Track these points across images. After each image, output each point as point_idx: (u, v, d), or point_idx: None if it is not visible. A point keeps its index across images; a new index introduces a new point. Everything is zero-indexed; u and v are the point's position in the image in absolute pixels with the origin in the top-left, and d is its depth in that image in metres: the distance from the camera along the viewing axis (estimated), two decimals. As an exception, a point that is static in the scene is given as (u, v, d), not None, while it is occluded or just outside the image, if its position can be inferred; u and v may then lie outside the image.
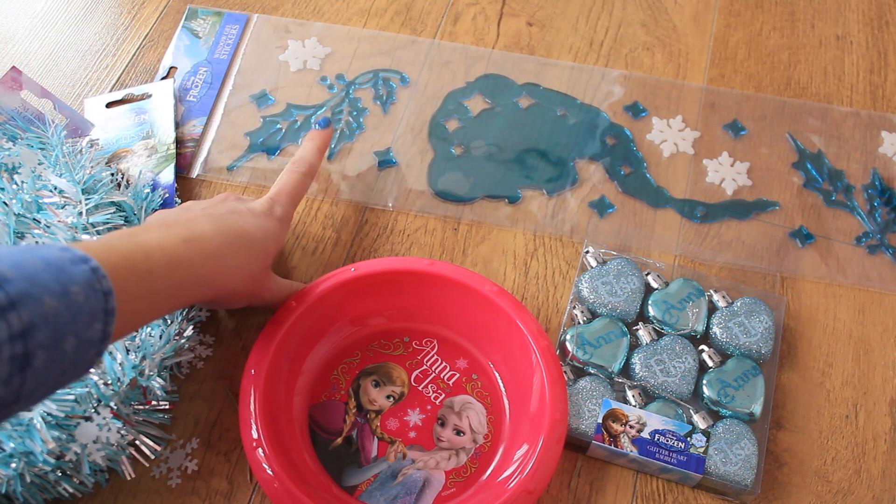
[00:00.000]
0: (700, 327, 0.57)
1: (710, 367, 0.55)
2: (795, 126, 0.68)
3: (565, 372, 0.54)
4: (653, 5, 0.76)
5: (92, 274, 0.37)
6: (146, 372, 0.49)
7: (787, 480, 0.54)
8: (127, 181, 0.60)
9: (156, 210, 0.59)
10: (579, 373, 0.55)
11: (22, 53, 0.71)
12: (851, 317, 0.60)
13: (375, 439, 0.53)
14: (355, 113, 0.68)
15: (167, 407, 0.52)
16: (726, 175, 0.66)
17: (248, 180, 0.64)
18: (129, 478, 0.50)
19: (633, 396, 0.54)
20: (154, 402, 0.51)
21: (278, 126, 0.67)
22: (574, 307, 0.58)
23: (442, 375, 0.55)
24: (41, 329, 0.34)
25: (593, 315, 0.57)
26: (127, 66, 0.70)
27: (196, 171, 0.64)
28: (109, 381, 0.48)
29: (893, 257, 0.62)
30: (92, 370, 0.39)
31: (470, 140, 0.66)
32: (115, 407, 0.48)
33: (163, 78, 0.69)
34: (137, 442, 0.50)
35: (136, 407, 0.50)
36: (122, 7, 0.74)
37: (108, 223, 0.55)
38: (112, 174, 0.59)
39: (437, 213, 0.63)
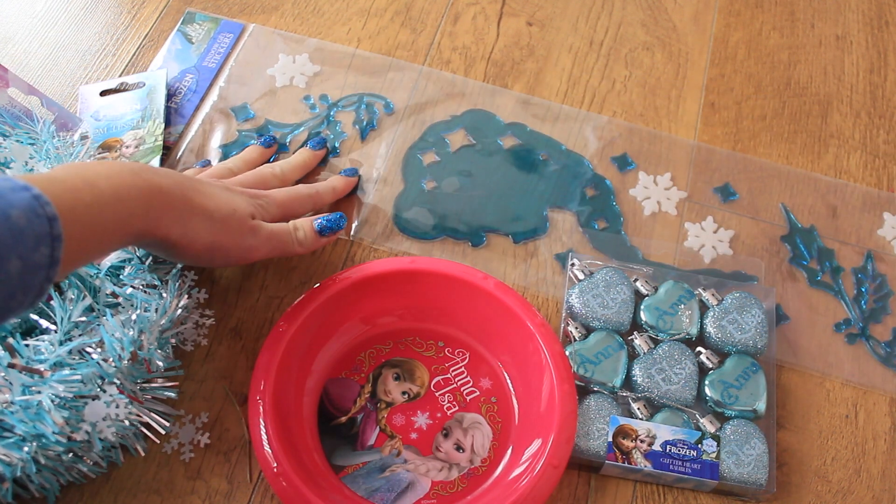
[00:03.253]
0: (694, 330, 0.57)
1: (710, 369, 0.55)
2: (792, 196, 0.65)
3: None
4: (653, 5, 0.76)
5: (34, 200, 0.38)
6: (145, 345, 0.49)
7: (787, 480, 0.54)
8: None
9: None
10: (582, 391, 0.55)
11: (22, 53, 0.71)
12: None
13: (377, 429, 0.54)
14: (332, 136, 0.66)
15: (173, 384, 0.52)
16: (707, 241, 0.62)
17: None
18: (142, 454, 0.50)
19: (639, 409, 0.54)
20: (160, 379, 0.51)
21: (253, 141, 0.65)
22: (567, 324, 0.57)
23: (462, 389, 0.55)
24: None
25: (587, 330, 0.57)
26: (127, 66, 0.70)
27: None
28: (110, 359, 0.48)
29: (872, 350, 0.58)
30: (41, 299, 0.40)
31: (443, 176, 0.64)
32: (120, 383, 0.48)
33: None
34: (147, 419, 0.50)
35: (142, 384, 0.50)
36: (122, 7, 0.74)
37: None
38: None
39: (397, 249, 0.61)
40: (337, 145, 0.66)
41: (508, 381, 0.55)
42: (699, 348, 0.56)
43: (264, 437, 0.49)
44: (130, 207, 0.45)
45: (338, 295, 0.55)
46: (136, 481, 0.52)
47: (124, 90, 0.67)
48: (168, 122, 0.66)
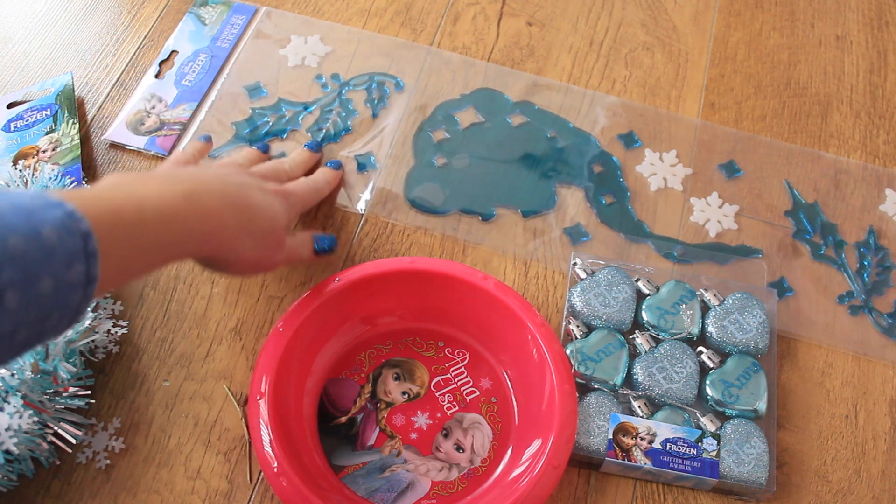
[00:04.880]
0: (696, 329, 0.57)
1: (711, 369, 0.55)
2: (795, 173, 0.66)
3: None
4: (653, 5, 0.76)
5: (67, 217, 0.37)
6: (49, 357, 0.49)
7: (787, 480, 0.54)
8: (34, 176, 0.60)
9: None
10: (583, 389, 0.55)
11: (22, 53, 0.71)
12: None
13: (377, 429, 0.54)
14: (344, 114, 0.67)
15: (86, 392, 0.51)
16: (712, 216, 0.64)
17: None
18: (56, 464, 0.50)
19: (640, 407, 0.54)
20: (71, 389, 0.51)
21: (266, 119, 0.67)
22: (569, 322, 0.57)
23: (462, 389, 0.55)
24: (7, 267, 0.34)
25: (589, 328, 0.57)
26: (127, 65, 0.70)
27: None
28: (14, 371, 0.48)
29: (875, 321, 0.59)
30: (80, 318, 0.38)
31: (454, 153, 0.66)
32: (25, 395, 0.48)
33: (162, 61, 0.70)
34: (57, 429, 0.50)
35: (50, 395, 0.50)
36: (122, 7, 0.74)
37: None
38: (21, 171, 0.60)
39: (408, 223, 0.62)
40: (349, 123, 0.67)
41: (508, 381, 0.55)
42: (700, 348, 0.56)
43: (264, 437, 0.49)
44: (177, 232, 0.44)
45: (338, 295, 0.55)
46: (136, 481, 0.52)
47: (31, 98, 0.67)
48: (181, 99, 0.68)
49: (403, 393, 0.55)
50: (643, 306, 0.57)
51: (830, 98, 0.71)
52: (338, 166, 0.64)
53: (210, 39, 0.71)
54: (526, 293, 0.60)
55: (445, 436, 0.54)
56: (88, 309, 0.39)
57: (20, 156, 0.63)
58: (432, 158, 0.65)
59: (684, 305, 0.57)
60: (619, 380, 0.54)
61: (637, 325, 0.58)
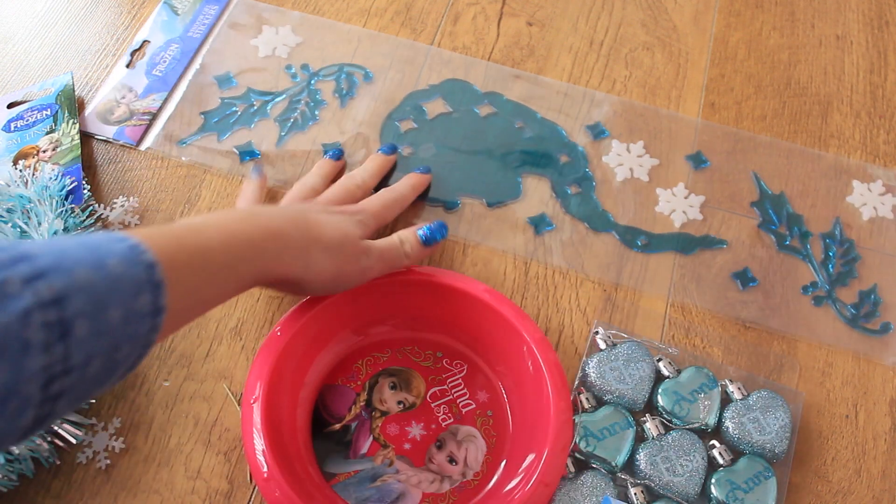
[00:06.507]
0: (712, 420, 0.53)
1: (721, 466, 0.52)
2: (763, 164, 0.66)
3: (566, 465, 0.51)
4: (653, 5, 0.76)
5: (131, 250, 0.37)
6: None
7: (787, 480, 0.53)
8: (34, 176, 0.60)
9: (63, 197, 0.60)
10: (581, 465, 0.52)
11: (22, 53, 0.71)
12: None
13: (371, 438, 0.53)
14: (312, 104, 0.68)
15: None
16: (677, 207, 0.63)
17: (196, 159, 0.65)
18: (56, 464, 0.51)
19: (636, 495, 0.51)
20: None
21: (234, 108, 0.67)
22: (579, 392, 0.54)
23: (458, 401, 0.55)
24: (76, 297, 0.34)
25: (599, 402, 0.54)
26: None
27: (147, 144, 0.66)
28: None
29: (839, 312, 0.59)
30: (149, 350, 0.39)
31: (420, 142, 0.66)
32: None
33: (134, 51, 0.70)
34: (58, 429, 0.50)
35: None
36: (122, 7, 0.74)
37: None
38: (21, 171, 0.61)
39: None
40: (317, 113, 0.67)
41: (505, 395, 0.55)
42: (713, 442, 0.53)
43: (256, 443, 0.48)
44: (241, 253, 0.44)
45: (336, 301, 0.54)
46: (137, 481, 0.52)
47: (31, 98, 0.67)
48: (151, 90, 0.68)
49: (399, 402, 0.55)
50: (660, 389, 0.54)
51: (831, 98, 0.71)
52: (426, 171, 0.63)
53: (182, 29, 0.72)
54: (526, 293, 0.60)
55: (439, 447, 0.53)
56: (155, 342, 0.39)
57: (20, 156, 0.63)
58: (399, 148, 0.66)
59: (703, 394, 0.54)
60: (620, 460, 0.51)
61: (650, 406, 0.54)
